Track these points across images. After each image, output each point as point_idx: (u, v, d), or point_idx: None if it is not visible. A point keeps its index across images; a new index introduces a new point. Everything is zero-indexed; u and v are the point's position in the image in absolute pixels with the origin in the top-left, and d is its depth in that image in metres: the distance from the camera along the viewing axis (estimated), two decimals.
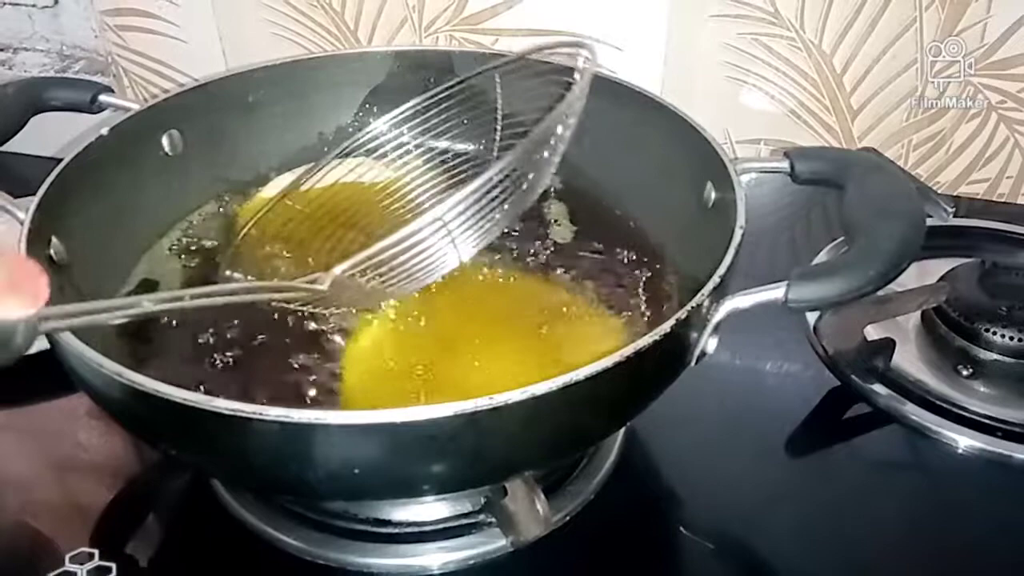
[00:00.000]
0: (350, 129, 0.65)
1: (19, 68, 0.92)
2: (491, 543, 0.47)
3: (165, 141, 0.56)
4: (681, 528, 0.50)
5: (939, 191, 0.75)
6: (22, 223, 0.43)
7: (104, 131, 0.51)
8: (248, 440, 0.35)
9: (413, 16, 0.77)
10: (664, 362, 0.41)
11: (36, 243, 0.43)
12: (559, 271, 0.56)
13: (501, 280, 0.55)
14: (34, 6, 0.89)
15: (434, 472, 0.37)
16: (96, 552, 0.46)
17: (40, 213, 0.44)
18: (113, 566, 0.45)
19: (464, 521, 0.47)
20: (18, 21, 0.90)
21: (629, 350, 0.36)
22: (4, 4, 0.90)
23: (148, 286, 0.54)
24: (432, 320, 0.51)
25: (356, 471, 0.35)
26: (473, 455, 0.37)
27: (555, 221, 0.60)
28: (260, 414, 0.33)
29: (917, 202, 0.44)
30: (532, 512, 0.41)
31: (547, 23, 0.76)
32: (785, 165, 0.51)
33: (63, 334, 0.38)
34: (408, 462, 0.36)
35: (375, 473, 0.36)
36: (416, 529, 0.47)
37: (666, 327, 0.38)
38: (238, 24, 0.80)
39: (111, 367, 0.35)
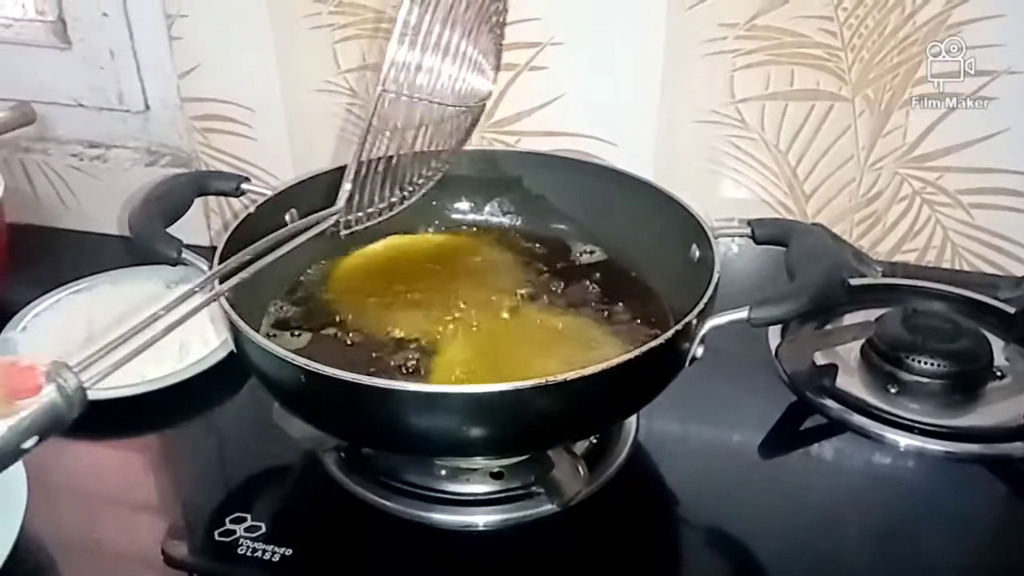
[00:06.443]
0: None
1: (113, 162, 1.00)
2: (528, 511, 0.60)
3: (287, 217, 0.68)
4: (674, 509, 0.63)
5: (878, 259, 0.87)
6: (208, 271, 0.58)
7: (251, 209, 0.67)
8: (392, 407, 0.50)
9: None
10: (668, 359, 0.56)
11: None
12: (590, 309, 0.70)
13: (551, 316, 0.70)
14: (128, 111, 1.03)
15: (513, 432, 0.52)
16: (248, 516, 0.60)
17: (220, 263, 0.59)
18: (263, 525, 0.59)
19: (508, 494, 0.62)
20: (112, 124, 1.02)
21: (644, 348, 0.52)
22: (102, 110, 1.06)
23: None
24: (495, 339, 0.67)
25: (464, 429, 0.51)
26: (536, 419, 0.51)
27: (586, 278, 0.74)
28: (403, 388, 0.49)
29: (837, 253, 0.61)
30: (575, 475, 0.56)
31: (558, 126, 0.88)
32: (748, 231, 0.66)
33: (250, 333, 0.53)
34: (499, 422, 0.51)
35: (478, 430, 0.51)
36: (472, 498, 0.62)
37: (669, 334, 0.53)
38: (305, 128, 0.94)
39: (298, 360, 0.51)
